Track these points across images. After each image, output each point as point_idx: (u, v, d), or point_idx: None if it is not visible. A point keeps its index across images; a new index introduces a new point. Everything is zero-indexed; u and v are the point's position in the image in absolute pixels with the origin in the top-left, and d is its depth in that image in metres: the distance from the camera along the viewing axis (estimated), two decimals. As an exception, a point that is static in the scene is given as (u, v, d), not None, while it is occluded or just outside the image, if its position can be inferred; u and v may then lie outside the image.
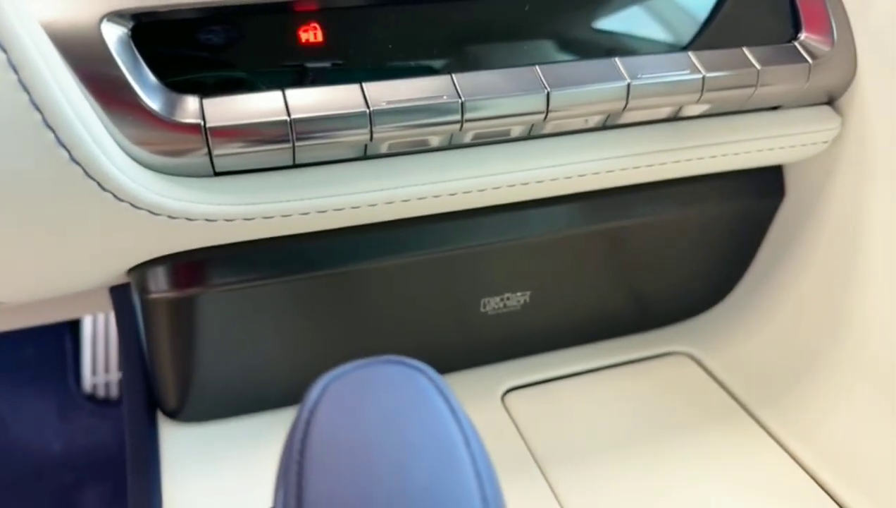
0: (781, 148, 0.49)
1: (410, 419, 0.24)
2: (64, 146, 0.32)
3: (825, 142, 0.50)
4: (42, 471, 0.97)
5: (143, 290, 0.44)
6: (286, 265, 0.45)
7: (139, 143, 0.35)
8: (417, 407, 0.25)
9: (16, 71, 0.30)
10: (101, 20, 0.34)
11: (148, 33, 0.35)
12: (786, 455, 0.52)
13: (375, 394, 0.25)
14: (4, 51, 0.30)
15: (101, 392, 1.06)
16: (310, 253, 0.45)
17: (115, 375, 1.06)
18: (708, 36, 0.46)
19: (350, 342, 0.52)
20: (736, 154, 0.48)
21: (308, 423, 0.24)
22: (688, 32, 0.45)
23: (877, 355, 0.50)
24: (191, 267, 0.44)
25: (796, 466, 0.51)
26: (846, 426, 0.51)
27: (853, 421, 0.50)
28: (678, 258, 0.58)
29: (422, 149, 0.41)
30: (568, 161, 0.43)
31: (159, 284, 0.44)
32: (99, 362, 1.07)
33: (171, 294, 0.44)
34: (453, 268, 0.50)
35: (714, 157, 0.47)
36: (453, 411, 0.25)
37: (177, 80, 0.35)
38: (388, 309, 0.51)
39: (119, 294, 0.54)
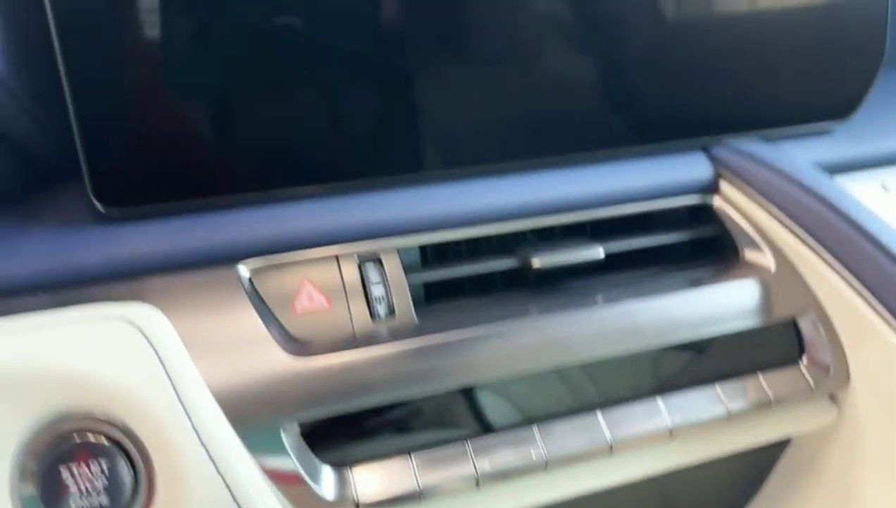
0: (785, 431, 0.60)
1: None
2: None
3: (823, 424, 0.60)
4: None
5: None
6: None
7: (301, 509, 0.45)
8: None
9: (223, 478, 0.41)
10: (280, 426, 0.44)
11: (314, 427, 0.45)
12: None
13: None
14: (213, 462, 0.41)
15: None
16: None
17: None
18: (728, 359, 0.56)
19: None
20: (750, 441, 0.59)
21: None
22: (714, 359, 0.56)
23: None
24: None
25: None
26: None
27: None
28: (692, 486, 0.68)
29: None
30: (624, 469, 0.54)
31: None
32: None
33: None
34: None
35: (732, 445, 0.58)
36: None
37: (336, 457, 0.46)
38: None
39: None
